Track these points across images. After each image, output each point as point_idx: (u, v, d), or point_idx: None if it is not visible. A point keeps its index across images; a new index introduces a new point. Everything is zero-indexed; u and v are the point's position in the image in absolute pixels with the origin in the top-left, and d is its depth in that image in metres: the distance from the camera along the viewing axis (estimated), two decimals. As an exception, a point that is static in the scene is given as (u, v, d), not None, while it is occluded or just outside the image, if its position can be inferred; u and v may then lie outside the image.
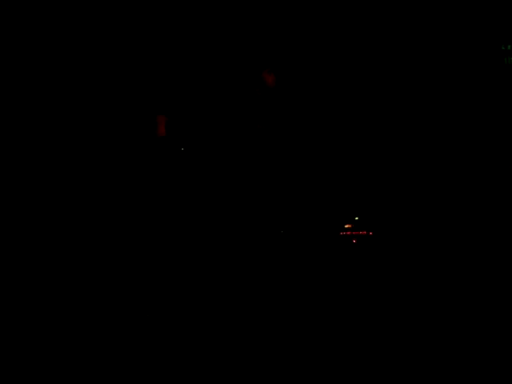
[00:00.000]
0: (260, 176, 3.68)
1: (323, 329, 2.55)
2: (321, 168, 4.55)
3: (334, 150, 4.65)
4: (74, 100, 3.74)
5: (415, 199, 4.44)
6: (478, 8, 4.40)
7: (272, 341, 2.37)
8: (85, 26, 3.78)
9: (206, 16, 4.17)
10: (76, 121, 3.72)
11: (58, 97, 3.72)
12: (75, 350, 2.22)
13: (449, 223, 4.41)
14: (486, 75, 4.52)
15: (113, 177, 3.63)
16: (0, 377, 1.91)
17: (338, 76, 4.66)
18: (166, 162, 3.48)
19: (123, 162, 3.63)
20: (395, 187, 4.49)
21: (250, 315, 2.74)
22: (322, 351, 2.26)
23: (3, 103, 3.55)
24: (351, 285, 3.42)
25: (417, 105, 4.67)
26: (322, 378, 2.00)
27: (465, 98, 4.55)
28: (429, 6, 4.45)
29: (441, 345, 2.34)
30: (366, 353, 2.24)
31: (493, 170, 4.63)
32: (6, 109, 3.55)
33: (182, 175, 3.53)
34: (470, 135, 4.70)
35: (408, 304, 3.03)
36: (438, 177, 4.50)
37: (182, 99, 3.69)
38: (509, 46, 4.42)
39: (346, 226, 4.28)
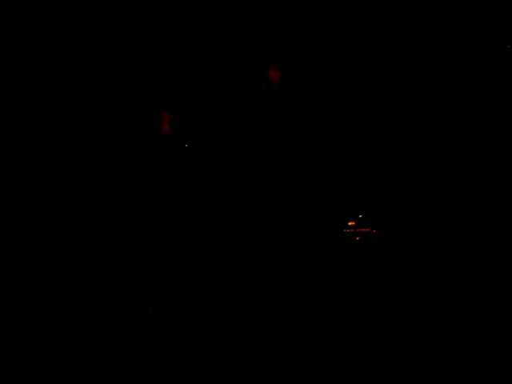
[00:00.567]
0: (264, 173, 3.68)
1: (326, 325, 2.56)
2: (325, 165, 4.55)
3: (339, 147, 4.65)
4: (77, 97, 3.75)
5: (419, 197, 4.44)
6: (482, 6, 4.39)
7: (275, 336, 2.37)
8: (90, 23, 3.79)
9: (212, 12, 4.17)
10: (79, 118, 3.73)
11: (62, 93, 3.73)
12: (77, 346, 2.24)
13: (452, 220, 4.40)
14: (491, 73, 4.50)
15: (117, 173, 3.64)
16: (0, 377, 1.92)
17: (343, 72, 4.65)
18: (169, 159, 3.48)
19: (127, 158, 3.63)
20: (399, 185, 4.49)
21: (253, 311, 2.75)
22: (324, 347, 2.27)
23: (10, 98, 3.56)
24: (354, 282, 3.42)
25: (421, 102, 4.66)
26: (325, 376, 2.01)
27: (469, 96, 4.54)
28: (434, 5, 4.44)
29: (443, 341, 2.34)
30: (368, 350, 2.25)
31: (496, 168, 4.62)
32: (11, 105, 3.56)
33: (186, 172, 3.53)
34: (474, 132, 4.69)
35: (410, 301, 3.03)
36: (441, 174, 4.49)
37: (186, 96, 3.70)
38: None
39: (350, 224, 4.28)
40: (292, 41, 4.44)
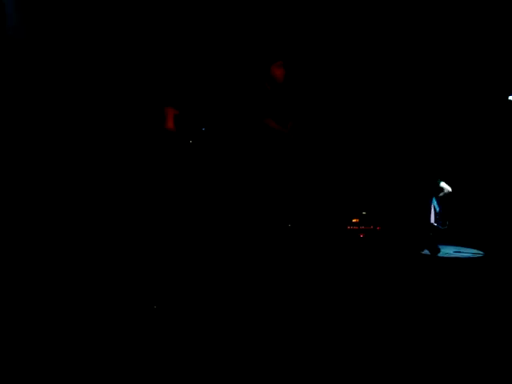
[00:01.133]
0: (269, 170, 3.68)
1: (328, 321, 2.57)
2: (329, 163, 4.55)
3: (343, 146, 4.65)
4: (82, 93, 3.76)
5: (421, 195, 4.43)
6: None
7: (281, 331, 2.38)
8: (95, 19, 3.79)
9: (216, 10, 4.16)
10: (84, 114, 3.74)
11: (66, 89, 3.74)
12: (79, 344, 2.26)
13: (453, 217, 4.41)
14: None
15: (122, 169, 3.65)
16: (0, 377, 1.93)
17: (347, 71, 4.65)
18: (174, 155, 3.48)
19: (131, 153, 3.64)
20: (402, 183, 4.49)
21: (257, 305, 2.76)
22: (329, 342, 2.27)
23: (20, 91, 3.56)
24: (358, 278, 3.43)
25: (421, 101, 4.65)
26: (328, 372, 2.02)
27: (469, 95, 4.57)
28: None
29: (445, 337, 2.35)
30: (372, 345, 2.25)
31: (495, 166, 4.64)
32: (20, 99, 3.57)
33: (191, 168, 3.53)
34: (474, 133, 4.70)
35: (412, 298, 3.03)
36: (443, 173, 4.49)
37: (190, 93, 3.69)
38: None
39: (354, 221, 4.28)
40: (296, 39, 4.43)
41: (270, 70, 3.70)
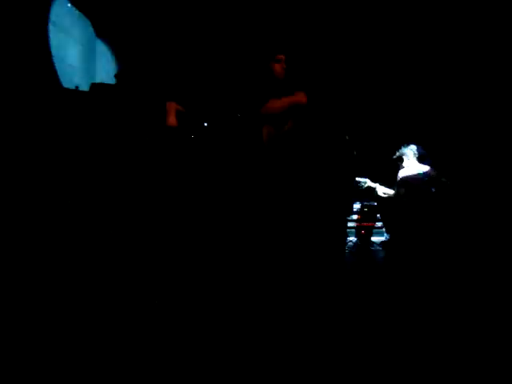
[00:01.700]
0: (269, 167, 3.67)
1: (329, 318, 2.55)
2: (329, 160, 4.54)
3: (343, 142, 4.64)
4: (82, 89, 3.75)
5: (424, 194, 4.43)
6: None
7: (280, 329, 2.37)
8: (96, 14, 3.79)
9: (217, 7, 4.17)
10: (85, 110, 3.73)
11: (67, 85, 3.73)
12: (80, 343, 2.23)
13: (454, 216, 4.41)
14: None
15: (123, 163, 3.63)
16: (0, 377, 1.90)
17: (348, 67, 4.66)
18: (176, 150, 3.47)
19: (133, 149, 3.63)
20: (404, 180, 4.48)
21: (257, 304, 2.74)
22: (330, 339, 2.26)
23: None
24: (358, 275, 3.42)
25: (421, 99, 4.67)
26: (333, 367, 2.00)
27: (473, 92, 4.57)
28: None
29: (448, 335, 2.33)
30: (373, 343, 2.24)
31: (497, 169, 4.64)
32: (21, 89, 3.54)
33: (193, 163, 3.52)
34: (476, 133, 4.71)
35: (413, 294, 3.03)
36: (445, 172, 4.50)
37: (192, 88, 3.69)
38: None
39: (355, 217, 4.28)
40: (297, 36, 4.44)
41: (271, 65, 3.69)
